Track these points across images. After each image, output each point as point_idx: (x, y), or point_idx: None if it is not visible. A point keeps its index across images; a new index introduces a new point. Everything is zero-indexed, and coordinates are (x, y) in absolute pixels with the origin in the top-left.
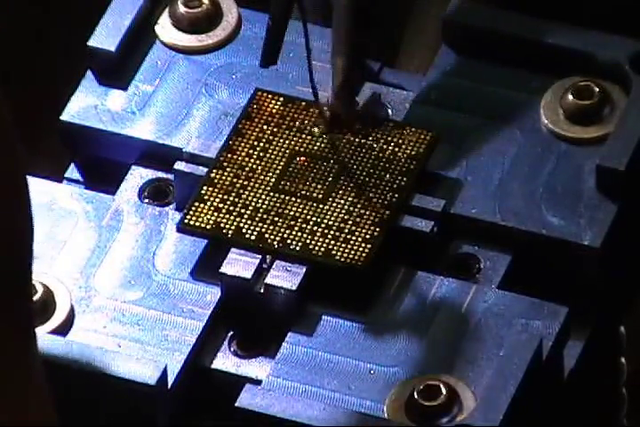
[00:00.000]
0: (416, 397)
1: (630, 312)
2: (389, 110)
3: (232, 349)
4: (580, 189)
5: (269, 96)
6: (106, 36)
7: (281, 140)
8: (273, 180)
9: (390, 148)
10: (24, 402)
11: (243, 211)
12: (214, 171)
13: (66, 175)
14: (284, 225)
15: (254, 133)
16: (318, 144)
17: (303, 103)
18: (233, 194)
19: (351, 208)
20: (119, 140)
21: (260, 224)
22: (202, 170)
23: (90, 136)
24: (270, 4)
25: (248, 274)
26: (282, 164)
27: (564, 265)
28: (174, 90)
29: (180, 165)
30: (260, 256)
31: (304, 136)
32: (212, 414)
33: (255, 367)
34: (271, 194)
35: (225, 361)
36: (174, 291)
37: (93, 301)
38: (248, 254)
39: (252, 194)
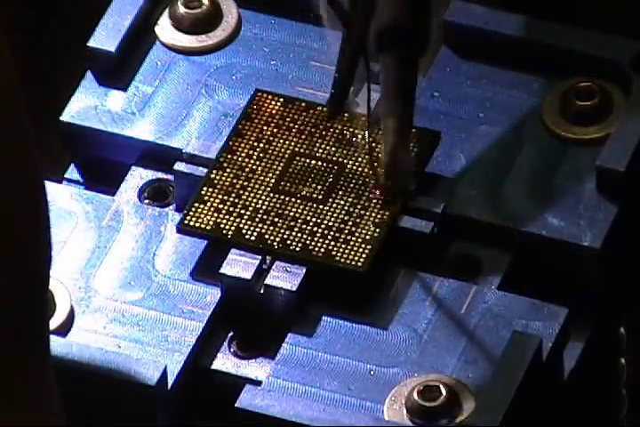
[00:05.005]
0: (416, 397)
1: (630, 312)
2: None
3: (232, 349)
4: (580, 189)
5: (269, 97)
6: (106, 37)
7: (281, 141)
8: (273, 180)
9: None
10: (39, 403)
11: (243, 211)
12: (214, 171)
13: (66, 176)
14: (284, 226)
15: (254, 134)
16: (318, 145)
17: (303, 104)
18: (233, 195)
19: (351, 209)
20: (119, 141)
21: (259, 225)
22: (202, 171)
23: (90, 137)
24: (338, 55)
25: (248, 275)
26: (282, 164)
27: (564, 266)
28: (174, 90)
29: (179, 166)
30: (259, 257)
31: (304, 137)
32: (212, 415)
33: (255, 368)
34: (271, 195)
35: (225, 362)
36: (174, 292)
37: (93, 301)
38: (248, 255)
39: (251, 195)
